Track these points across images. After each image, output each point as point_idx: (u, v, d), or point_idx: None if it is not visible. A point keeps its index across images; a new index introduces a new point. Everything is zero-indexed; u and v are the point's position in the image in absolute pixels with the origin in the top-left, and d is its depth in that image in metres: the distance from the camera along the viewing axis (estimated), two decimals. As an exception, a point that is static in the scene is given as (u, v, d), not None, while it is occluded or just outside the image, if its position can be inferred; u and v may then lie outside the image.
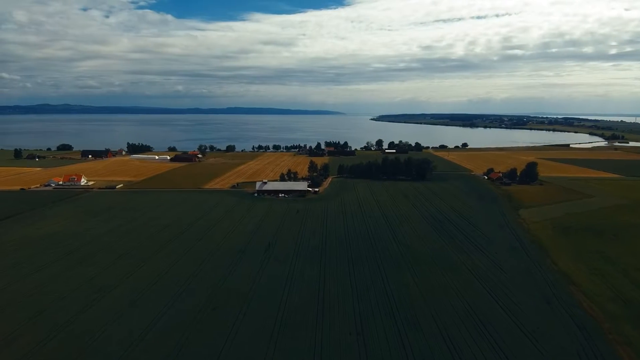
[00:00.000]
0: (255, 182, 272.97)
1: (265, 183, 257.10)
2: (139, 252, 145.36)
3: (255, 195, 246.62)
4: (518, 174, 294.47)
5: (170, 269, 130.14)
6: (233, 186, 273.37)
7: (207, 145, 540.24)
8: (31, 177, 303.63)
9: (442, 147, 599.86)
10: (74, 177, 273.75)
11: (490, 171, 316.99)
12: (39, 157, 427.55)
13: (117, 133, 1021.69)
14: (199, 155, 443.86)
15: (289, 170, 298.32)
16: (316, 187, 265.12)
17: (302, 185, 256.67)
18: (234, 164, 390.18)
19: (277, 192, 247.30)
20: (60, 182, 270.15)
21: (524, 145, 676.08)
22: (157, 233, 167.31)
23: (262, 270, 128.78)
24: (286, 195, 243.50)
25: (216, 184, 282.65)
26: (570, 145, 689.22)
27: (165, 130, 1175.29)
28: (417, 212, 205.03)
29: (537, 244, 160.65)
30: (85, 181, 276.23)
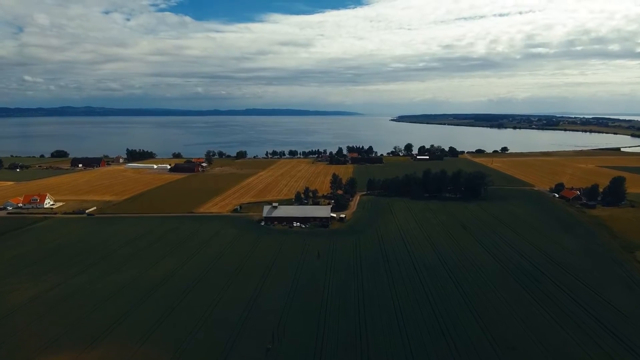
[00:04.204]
0: (263, 203, 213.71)
1: (276, 207, 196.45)
2: (47, 356, 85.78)
3: (262, 224, 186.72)
4: (600, 190, 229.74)
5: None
6: (235, 209, 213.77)
7: (216, 151, 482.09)
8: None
9: (480, 152, 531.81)
10: (36, 197, 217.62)
11: (560, 187, 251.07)
12: (22, 166, 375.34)
13: (127, 136, 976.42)
14: (204, 164, 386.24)
15: (307, 188, 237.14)
16: (342, 212, 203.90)
17: (323, 211, 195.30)
18: (242, 176, 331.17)
19: (291, 219, 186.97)
20: (20, 204, 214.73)
21: (571, 149, 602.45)
22: (99, 307, 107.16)
23: None
24: (303, 225, 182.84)
25: (215, 206, 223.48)
26: (621, 149, 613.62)
27: (179, 133, 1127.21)
28: (491, 257, 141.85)
29: None
30: (51, 202, 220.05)
